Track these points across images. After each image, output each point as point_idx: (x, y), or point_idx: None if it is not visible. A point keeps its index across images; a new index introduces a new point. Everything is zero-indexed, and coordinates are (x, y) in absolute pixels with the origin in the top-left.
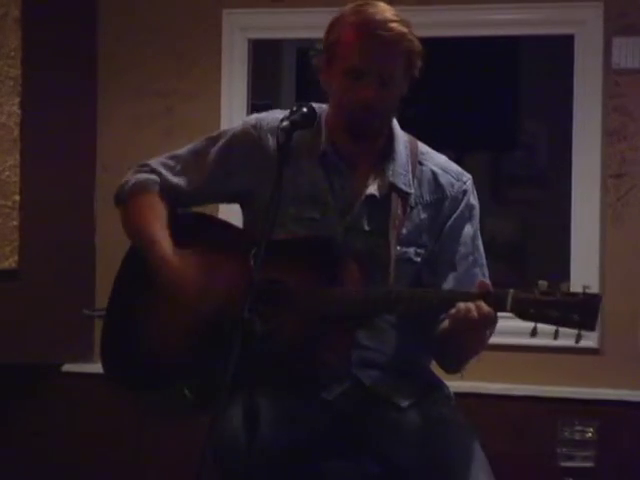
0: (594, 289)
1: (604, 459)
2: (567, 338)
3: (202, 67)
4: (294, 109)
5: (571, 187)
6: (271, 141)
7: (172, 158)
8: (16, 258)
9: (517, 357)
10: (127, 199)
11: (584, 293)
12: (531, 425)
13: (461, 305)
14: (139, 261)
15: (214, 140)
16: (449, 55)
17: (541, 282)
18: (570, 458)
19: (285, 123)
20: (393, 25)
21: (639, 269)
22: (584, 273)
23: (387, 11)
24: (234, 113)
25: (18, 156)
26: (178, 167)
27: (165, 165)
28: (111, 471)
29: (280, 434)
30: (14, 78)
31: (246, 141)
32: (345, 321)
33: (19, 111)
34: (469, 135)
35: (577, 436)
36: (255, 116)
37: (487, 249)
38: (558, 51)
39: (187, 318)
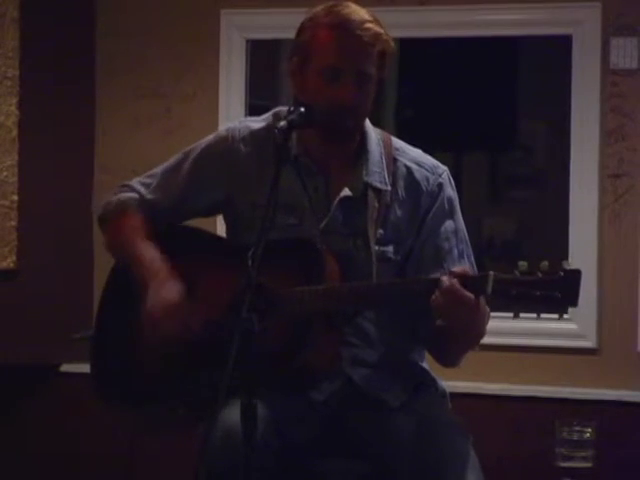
0: (592, 290)
1: (603, 459)
2: (565, 339)
3: (200, 68)
4: (291, 109)
5: (569, 187)
6: (244, 150)
7: (149, 176)
8: (14, 258)
9: (515, 357)
10: (110, 219)
11: (564, 269)
12: (529, 425)
13: (443, 285)
14: (124, 279)
15: (187, 154)
16: (447, 55)
17: (521, 263)
18: (568, 458)
19: (282, 123)
20: (370, 25)
21: (637, 269)
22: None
23: (362, 11)
24: (232, 114)
25: (16, 156)
26: (154, 184)
27: (143, 184)
28: (111, 471)
29: (271, 435)
30: (12, 78)
31: (218, 151)
32: (330, 318)
33: (17, 111)
34: (467, 135)
35: (575, 436)
36: (226, 126)
37: (485, 249)
38: (556, 51)
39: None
